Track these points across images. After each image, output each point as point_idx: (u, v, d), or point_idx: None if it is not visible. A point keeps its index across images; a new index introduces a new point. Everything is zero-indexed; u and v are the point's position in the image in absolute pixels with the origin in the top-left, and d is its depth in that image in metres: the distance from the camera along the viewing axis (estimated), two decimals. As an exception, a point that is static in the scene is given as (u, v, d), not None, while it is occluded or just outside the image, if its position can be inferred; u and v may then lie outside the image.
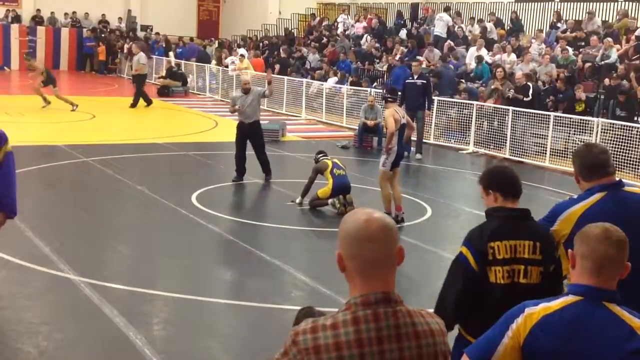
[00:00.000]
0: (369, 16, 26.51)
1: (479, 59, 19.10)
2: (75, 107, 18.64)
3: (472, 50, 20.12)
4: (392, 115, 9.50)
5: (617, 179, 3.86)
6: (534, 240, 3.50)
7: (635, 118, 15.04)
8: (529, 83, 15.91)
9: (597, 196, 3.74)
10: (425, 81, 15.22)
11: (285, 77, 22.10)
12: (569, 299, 2.66)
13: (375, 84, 20.74)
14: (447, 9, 23.81)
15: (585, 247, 2.68)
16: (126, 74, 26.84)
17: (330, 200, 10.02)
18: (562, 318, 2.62)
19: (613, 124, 14.19)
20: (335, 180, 9.95)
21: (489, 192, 3.68)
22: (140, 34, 33.20)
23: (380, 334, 2.10)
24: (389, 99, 9.90)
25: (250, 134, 11.60)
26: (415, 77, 15.21)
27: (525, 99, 15.48)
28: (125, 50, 29.75)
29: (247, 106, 11.51)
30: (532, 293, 3.45)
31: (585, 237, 2.71)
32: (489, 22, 22.52)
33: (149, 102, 20.89)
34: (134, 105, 20.40)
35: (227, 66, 24.35)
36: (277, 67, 23.72)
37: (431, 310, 2.44)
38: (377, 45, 23.60)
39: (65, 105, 18.67)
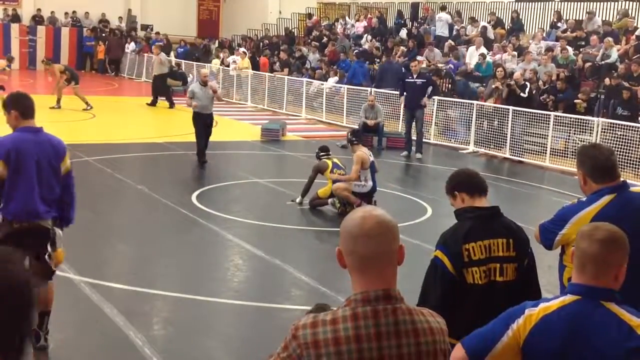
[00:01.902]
0: (369, 15, 26.50)
1: (483, 57, 19.04)
2: (89, 107, 19.04)
3: (472, 49, 20.11)
4: (362, 158, 9.80)
5: (622, 179, 3.88)
6: (507, 237, 3.52)
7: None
8: (527, 82, 15.94)
9: (607, 198, 3.73)
10: (425, 80, 15.21)
11: (286, 77, 22.09)
12: (567, 298, 2.67)
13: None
14: (443, 8, 23.82)
15: (580, 245, 2.70)
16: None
17: (330, 200, 10.03)
18: (561, 318, 2.63)
19: (613, 123, 14.18)
20: (335, 180, 9.95)
21: (454, 194, 3.71)
22: (141, 33, 33.21)
23: (379, 331, 2.12)
24: (354, 142, 10.11)
25: (206, 123, 12.65)
26: (415, 76, 15.19)
27: (521, 94, 15.51)
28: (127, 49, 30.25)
29: (205, 97, 12.53)
30: (510, 290, 3.48)
31: (583, 235, 2.73)
32: (489, 22, 22.51)
33: (154, 103, 21.23)
34: (171, 105, 21.03)
35: (228, 65, 24.36)
36: (286, 70, 23.60)
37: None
38: (378, 44, 23.59)
39: (79, 104, 18.98)
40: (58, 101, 19.04)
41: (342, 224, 2.22)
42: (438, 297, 3.39)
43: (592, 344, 2.56)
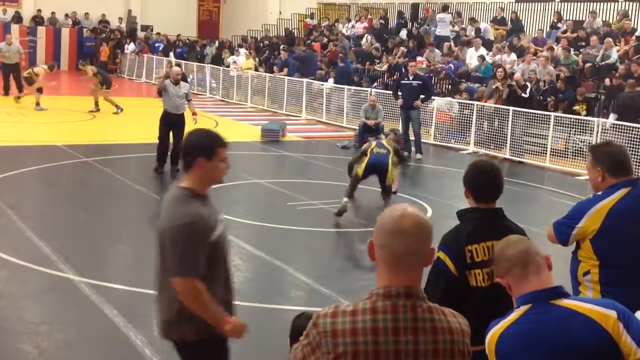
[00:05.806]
0: (369, 16, 26.50)
1: (482, 58, 19.04)
2: (119, 110, 19.13)
3: (471, 50, 20.10)
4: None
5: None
6: None
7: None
8: (527, 83, 15.95)
9: (623, 191, 3.85)
10: (420, 82, 15.20)
11: (286, 77, 22.10)
12: (520, 310, 2.69)
13: (376, 84, 20.76)
14: (445, 9, 23.83)
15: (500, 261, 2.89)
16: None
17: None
18: (517, 331, 2.64)
19: (614, 124, 14.15)
20: (372, 157, 9.92)
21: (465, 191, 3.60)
22: (141, 34, 33.23)
23: (396, 325, 2.18)
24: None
25: (175, 124, 11.60)
26: (411, 77, 15.18)
27: (522, 94, 15.51)
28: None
29: (176, 96, 11.72)
30: None
31: (499, 250, 2.89)
32: (491, 22, 22.51)
33: (7, 92, 21.19)
34: (20, 90, 20.61)
35: (228, 66, 24.35)
36: (285, 70, 23.56)
37: None
38: (377, 45, 23.57)
39: (103, 106, 19.13)
40: (96, 104, 19.09)
41: (379, 218, 2.29)
42: (440, 299, 3.33)
43: (554, 345, 2.57)
